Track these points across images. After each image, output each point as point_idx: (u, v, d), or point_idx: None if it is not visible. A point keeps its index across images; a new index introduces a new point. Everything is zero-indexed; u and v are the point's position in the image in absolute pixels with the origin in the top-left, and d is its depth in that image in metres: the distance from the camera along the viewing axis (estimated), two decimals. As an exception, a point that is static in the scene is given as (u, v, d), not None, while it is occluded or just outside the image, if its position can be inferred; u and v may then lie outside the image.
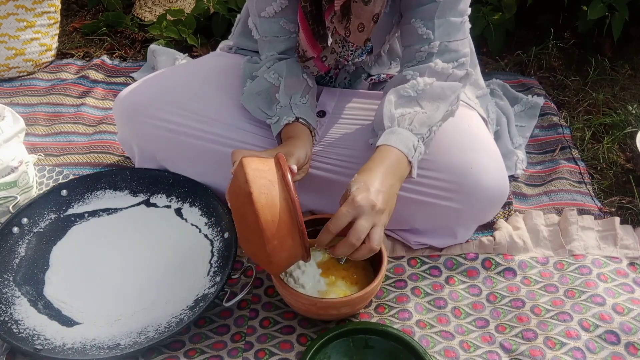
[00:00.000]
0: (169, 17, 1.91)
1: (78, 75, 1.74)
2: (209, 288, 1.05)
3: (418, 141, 0.98)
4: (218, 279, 1.06)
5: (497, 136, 1.36)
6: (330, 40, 1.10)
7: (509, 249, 1.15)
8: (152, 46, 1.77)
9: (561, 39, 1.81)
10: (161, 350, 0.99)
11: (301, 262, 1.02)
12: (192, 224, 1.19)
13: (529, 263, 1.14)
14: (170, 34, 1.86)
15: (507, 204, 1.23)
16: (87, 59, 1.85)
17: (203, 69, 1.27)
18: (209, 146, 1.17)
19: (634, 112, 1.51)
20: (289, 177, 0.88)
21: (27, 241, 1.14)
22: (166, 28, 1.87)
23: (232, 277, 1.07)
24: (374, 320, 1.03)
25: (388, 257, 1.07)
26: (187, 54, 1.78)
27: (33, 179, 1.27)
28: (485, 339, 1.01)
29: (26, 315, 1.02)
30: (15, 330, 0.99)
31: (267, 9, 1.11)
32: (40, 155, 1.38)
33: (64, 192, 1.21)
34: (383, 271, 0.99)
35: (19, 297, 1.05)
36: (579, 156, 1.40)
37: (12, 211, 1.15)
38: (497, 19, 1.74)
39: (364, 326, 0.99)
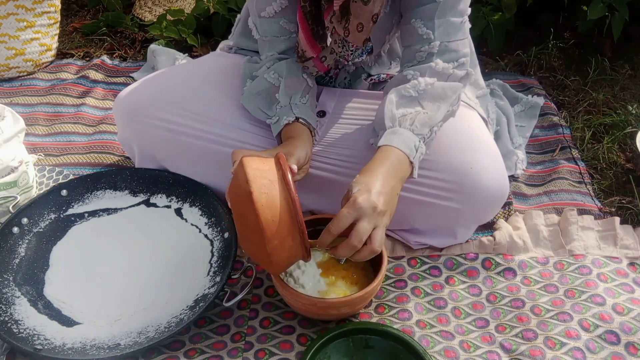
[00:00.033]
0: (169, 17, 1.91)
1: (78, 75, 1.74)
2: (209, 288, 1.05)
3: (419, 141, 0.98)
4: (218, 279, 1.06)
5: (497, 136, 1.36)
6: (329, 40, 1.10)
7: (509, 249, 1.15)
8: (152, 46, 1.77)
9: (561, 39, 1.81)
10: (161, 350, 0.99)
11: (301, 262, 1.02)
12: (192, 224, 1.19)
13: (529, 263, 1.14)
14: (170, 34, 1.86)
15: (507, 204, 1.23)
16: (87, 59, 1.85)
17: (203, 69, 1.27)
18: (209, 146, 1.17)
19: (634, 112, 1.51)
20: (290, 176, 0.88)
21: (27, 241, 1.14)
22: (166, 28, 1.87)
23: (232, 277, 1.07)
24: (374, 320, 1.03)
25: (388, 257, 1.07)
26: (187, 54, 1.78)
27: (33, 179, 1.27)
28: (485, 339, 1.01)
29: (26, 315, 1.02)
30: (15, 330, 0.99)
31: (267, 9, 1.11)
32: (40, 155, 1.38)
33: (64, 192, 1.21)
34: (383, 271, 0.99)
35: (19, 297, 1.05)
36: (579, 156, 1.40)
37: (12, 211, 1.15)
38: (497, 19, 1.74)
39: (364, 326, 0.99)
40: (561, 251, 1.16)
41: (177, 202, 1.22)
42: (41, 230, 1.16)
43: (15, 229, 1.13)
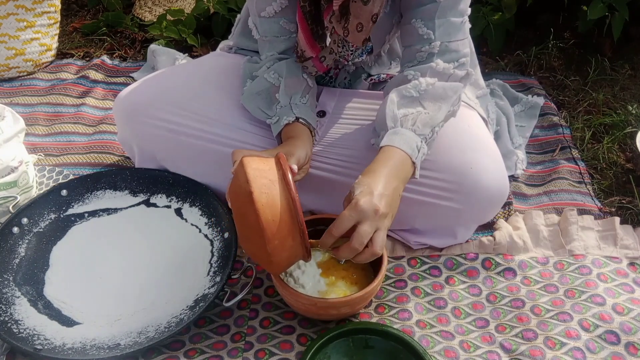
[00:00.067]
0: (169, 17, 1.91)
1: (78, 75, 1.74)
2: (209, 288, 1.05)
3: (421, 142, 0.98)
4: (218, 279, 1.06)
5: (497, 136, 1.36)
6: (328, 40, 1.10)
7: (509, 249, 1.15)
8: (152, 46, 1.77)
9: (561, 39, 1.81)
10: (161, 350, 0.99)
11: (301, 262, 1.02)
12: (192, 224, 1.19)
13: (529, 263, 1.14)
14: (170, 34, 1.86)
15: (507, 204, 1.23)
16: (87, 59, 1.85)
17: (203, 69, 1.27)
18: (209, 146, 1.17)
19: (634, 112, 1.51)
20: (290, 176, 0.88)
21: (27, 241, 1.14)
22: (166, 28, 1.87)
23: (232, 277, 1.07)
24: (374, 320, 1.03)
25: (388, 257, 1.07)
26: (187, 54, 1.78)
27: (33, 179, 1.27)
28: (485, 339, 1.01)
29: (26, 315, 1.02)
30: (15, 330, 0.99)
31: (267, 9, 1.11)
32: (40, 155, 1.38)
33: (64, 192, 1.21)
34: (383, 271, 0.99)
35: (19, 297, 1.05)
36: (579, 156, 1.40)
37: (12, 211, 1.15)
38: (497, 19, 1.74)
39: (364, 326, 0.99)
40: (561, 251, 1.16)
41: (177, 202, 1.22)
42: (41, 230, 1.16)
43: (15, 229, 1.13)
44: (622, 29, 1.64)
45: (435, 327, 1.03)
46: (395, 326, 1.01)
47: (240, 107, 1.18)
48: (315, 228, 1.03)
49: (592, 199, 1.28)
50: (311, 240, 0.91)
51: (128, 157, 1.38)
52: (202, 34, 1.89)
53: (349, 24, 1.02)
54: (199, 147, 1.18)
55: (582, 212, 1.23)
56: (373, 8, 1.00)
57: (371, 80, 1.26)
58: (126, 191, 1.25)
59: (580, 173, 1.35)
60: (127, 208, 1.23)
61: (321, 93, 1.23)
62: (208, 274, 1.08)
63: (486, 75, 1.59)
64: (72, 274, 1.10)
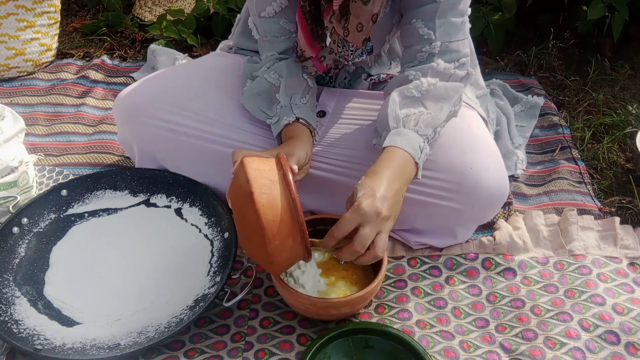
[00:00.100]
0: (169, 17, 1.91)
1: (78, 75, 1.74)
2: (209, 288, 1.05)
3: (424, 142, 0.98)
4: (218, 279, 1.06)
5: (497, 136, 1.36)
6: (328, 40, 1.10)
7: (509, 249, 1.15)
8: (152, 46, 1.77)
9: (561, 39, 1.81)
10: (161, 350, 0.99)
11: (301, 262, 1.02)
12: (192, 224, 1.19)
13: (529, 263, 1.14)
14: (170, 34, 1.86)
15: (507, 204, 1.23)
16: (87, 59, 1.85)
17: (203, 69, 1.27)
18: (209, 146, 1.17)
19: (634, 112, 1.51)
20: (290, 176, 0.88)
21: (27, 241, 1.14)
22: (166, 28, 1.87)
23: (232, 277, 1.07)
24: (374, 320, 1.03)
25: (388, 257, 1.07)
26: (187, 54, 1.77)
27: (33, 179, 1.27)
28: (485, 339, 1.01)
29: (26, 315, 1.02)
30: (15, 330, 0.99)
31: (267, 9, 1.11)
32: (40, 155, 1.38)
33: (64, 192, 1.21)
34: (383, 271, 0.99)
35: (19, 297, 1.05)
36: (579, 156, 1.40)
37: (12, 211, 1.15)
38: (497, 19, 1.74)
39: (364, 326, 0.99)
40: (561, 251, 1.16)
41: (177, 202, 1.22)
42: (41, 230, 1.16)
43: (15, 229, 1.13)
44: (622, 29, 1.64)
45: (435, 327, 1.03)
46: (395, 326, 1.01)
47: (240, 107, 1.18)
48: (315, 228, 1.03)
49: (592, 199, 1.28)
50: (311, 240, 0.91)
51: (128, 157, 1.38)
52: (202, 34, 1.89)
53: (349, 23, 1.02)
54: (199, 147, 1.18)
55: (582, 212, 1.23)
56: (373, 8, 1.00)
57: (371, 80, 1.25)
58: (126, 191, 1.25)
59: (580, 173, 1.35)
60: (127, 208, 1.23)
61: (321, 93, 1.23)
62: (208, 274, 1.08)
63: (486, 75, 1.59)
64: (72, 274, 1.10)
